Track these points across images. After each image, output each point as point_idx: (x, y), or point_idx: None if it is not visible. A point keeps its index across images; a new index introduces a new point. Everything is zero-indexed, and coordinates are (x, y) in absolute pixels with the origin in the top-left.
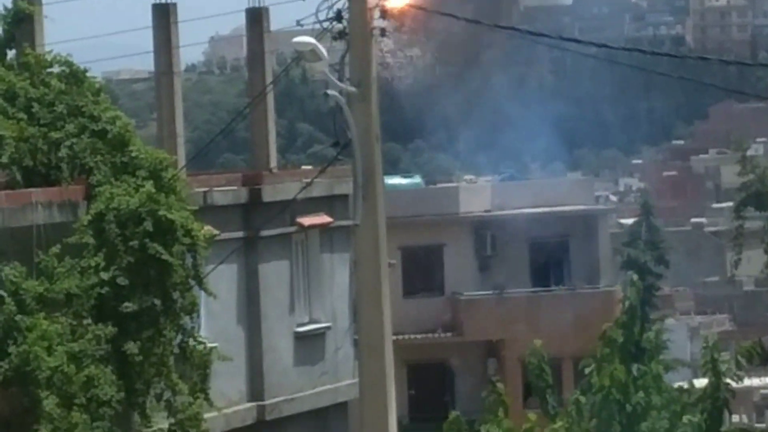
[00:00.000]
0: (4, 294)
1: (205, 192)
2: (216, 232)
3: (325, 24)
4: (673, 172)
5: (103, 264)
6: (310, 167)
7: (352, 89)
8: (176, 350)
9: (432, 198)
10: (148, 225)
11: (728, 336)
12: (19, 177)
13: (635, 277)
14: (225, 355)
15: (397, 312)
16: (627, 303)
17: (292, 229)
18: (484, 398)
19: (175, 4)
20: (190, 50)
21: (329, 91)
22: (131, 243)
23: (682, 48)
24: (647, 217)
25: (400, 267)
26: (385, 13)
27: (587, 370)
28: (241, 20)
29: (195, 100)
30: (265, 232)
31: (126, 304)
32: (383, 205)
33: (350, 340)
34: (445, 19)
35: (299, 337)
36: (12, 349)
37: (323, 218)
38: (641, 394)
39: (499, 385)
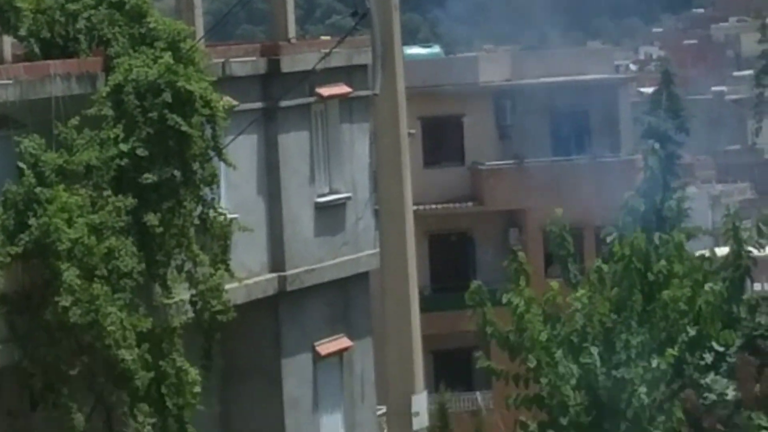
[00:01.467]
0: (24, 166)
1: (223, 63)
2: (235, 102)
3: None
4: (694, 41)
5: (122, 135)
6: (328, 38)
7: None
8: (197, 221)
9: (451, 67)
10: (167, 96)
11: (750, 204)
12: (36, 49)
13: (656, 145)
14: (245, 226)
15: (418, 182)
16: (648, 171)
17: (312, 99)
18: (505, 267)
19: None
20: None
21: None
22: (150, 114)
23: None
24: (668, 85)
25: (420, 137)
26: None
27: (609, 239)
28: None
29: None
30: (284, 103)
31: (146, 175)
32: (402, 75)
33: (371, 211)
34: None
35: (320, 208)
36: (32, 221)
37: (342, 88)
38: (663, 262)
39: (521, 254)
